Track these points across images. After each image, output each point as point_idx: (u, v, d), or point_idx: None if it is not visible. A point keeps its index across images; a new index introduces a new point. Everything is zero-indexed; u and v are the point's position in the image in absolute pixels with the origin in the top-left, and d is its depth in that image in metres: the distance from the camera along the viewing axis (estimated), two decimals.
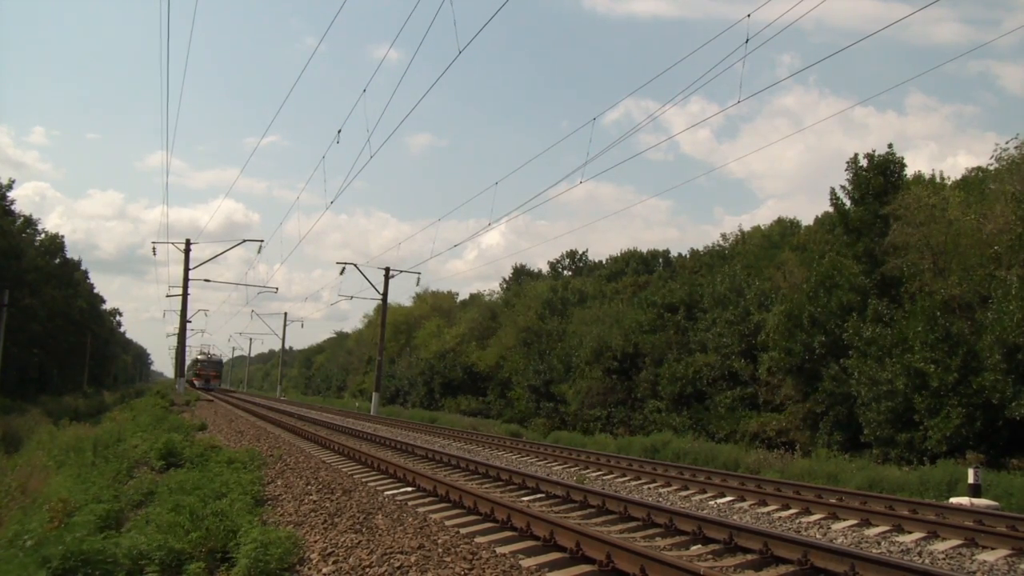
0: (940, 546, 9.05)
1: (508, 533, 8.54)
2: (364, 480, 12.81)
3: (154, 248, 76.63)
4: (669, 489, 13.86)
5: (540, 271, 68.87)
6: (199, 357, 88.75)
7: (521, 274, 68.27)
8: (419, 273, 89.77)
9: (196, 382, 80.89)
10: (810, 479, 16.73)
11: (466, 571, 6.37)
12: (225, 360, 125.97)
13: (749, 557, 7.85)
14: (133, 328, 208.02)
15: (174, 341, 66.62)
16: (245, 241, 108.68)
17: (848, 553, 7.29)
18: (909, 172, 26.10)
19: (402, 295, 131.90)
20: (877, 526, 10.18)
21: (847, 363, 22.07)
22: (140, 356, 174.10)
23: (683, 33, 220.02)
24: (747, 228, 46.46)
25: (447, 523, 8.78)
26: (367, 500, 9.93)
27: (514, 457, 19.27)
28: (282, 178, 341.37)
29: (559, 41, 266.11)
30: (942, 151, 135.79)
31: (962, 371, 18.55)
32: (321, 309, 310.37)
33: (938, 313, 19.71)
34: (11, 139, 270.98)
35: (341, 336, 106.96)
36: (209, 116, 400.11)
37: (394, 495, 11.10)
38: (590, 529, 8.24)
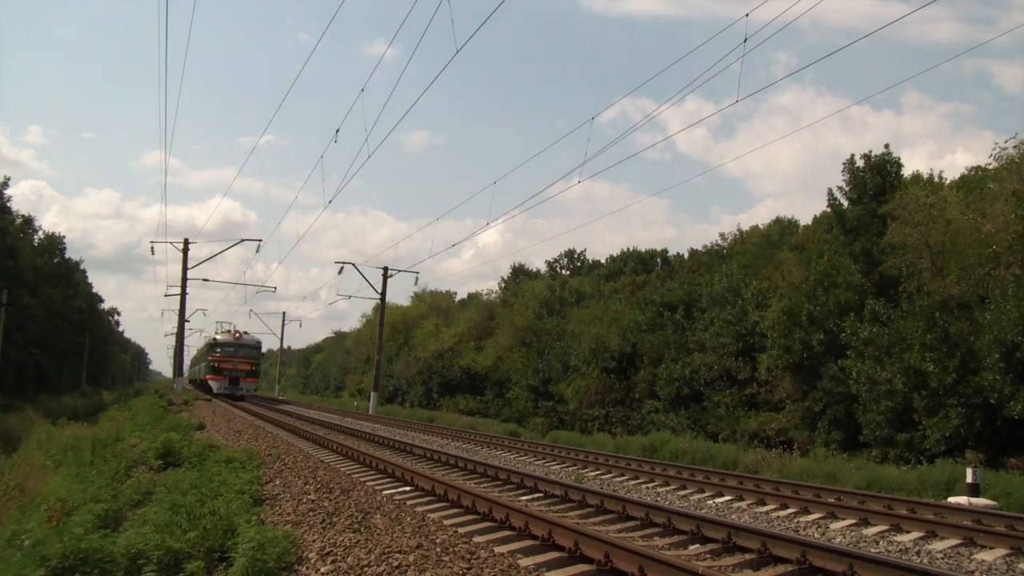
0: (938, 545, 9.05)
1: (506, 532, 8.53)
2: (362, 479, 12.79)
3: (152, 247, 76.42)
4: (667, 488, 13.86)
5: (538, 270, 68.79)
6: (218, 338, 50.38)
7: (519, 273, 68.20)
8: (417, 272, 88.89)
9: (213, 383, 47.98)
10: (808, 478, 16.74)
11: (464, 570, 6.36)
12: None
13: (747, 556, 7.85)
14: (130, 328, 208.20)
15: (172, 340, 63.98)
16: (243, 240, 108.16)
17: (846, 552, 7.29)
18: (907, 170, 26.21)
19: (400, 295, 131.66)
20: (875, 525, 10.18)
21: (845, 363, 22.08)
22: (138, 356, 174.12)
23: (681, 33, 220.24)
24: (745, 227, 46.41)
25: (445, 522, 8.76)
26: (365, 499, 9.91)
27: (512, 456, 19.26)
28: (279, 177, 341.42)
29: (556, 40, 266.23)
30: (939, 150, 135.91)
31: (960, 371, 18.57)
32: (319, 308, 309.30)
33: (936, 313, 19.73)
34: (7, 138, 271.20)
35: (339, 335, 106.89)
36: (205, 115, 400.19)
37: (392, 494, 11.08)
38: (588, 528, 8.22)
